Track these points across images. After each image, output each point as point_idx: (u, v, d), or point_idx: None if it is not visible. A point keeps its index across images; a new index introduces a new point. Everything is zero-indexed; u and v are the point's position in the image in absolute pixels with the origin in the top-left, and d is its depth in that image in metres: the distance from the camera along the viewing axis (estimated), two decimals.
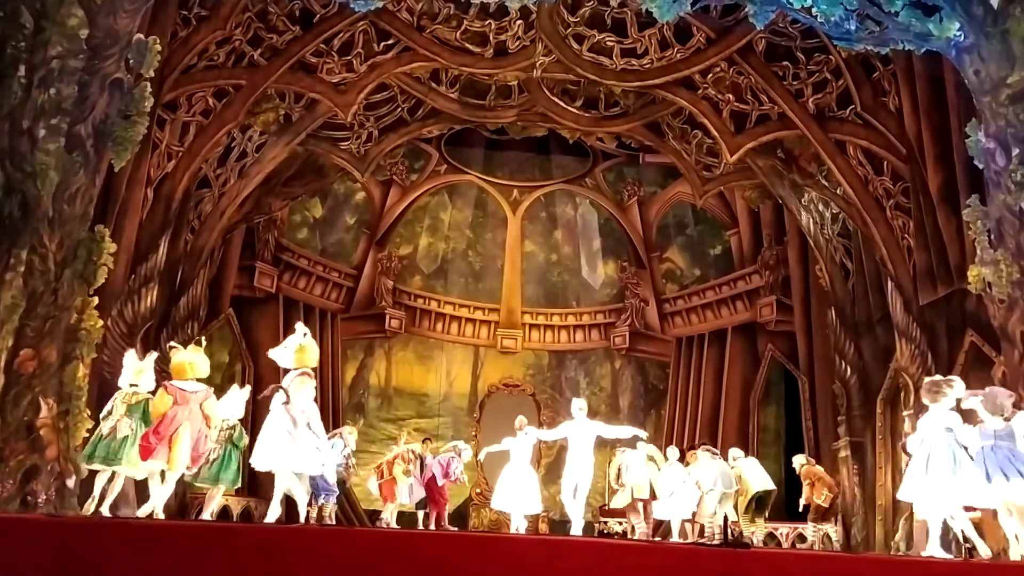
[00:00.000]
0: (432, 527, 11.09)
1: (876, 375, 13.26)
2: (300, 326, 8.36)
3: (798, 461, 12.05)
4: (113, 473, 7.86)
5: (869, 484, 13.20)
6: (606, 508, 14.64)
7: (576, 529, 9.46)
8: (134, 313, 11.24)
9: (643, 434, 10.47)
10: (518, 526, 10.10)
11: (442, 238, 18.50)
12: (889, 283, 12.25)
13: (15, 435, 8.54)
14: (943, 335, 11.34)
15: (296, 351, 7.99)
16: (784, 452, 16.31)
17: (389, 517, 10.94)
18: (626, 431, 10.23)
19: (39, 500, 8.67)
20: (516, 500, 9.93)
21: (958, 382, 7.26)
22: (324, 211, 17.45)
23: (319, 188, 16.41)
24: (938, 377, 7.53)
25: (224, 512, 13.23)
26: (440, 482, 11.14)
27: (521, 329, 17.99)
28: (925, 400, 7.31)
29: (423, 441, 12.92)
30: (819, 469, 12.30)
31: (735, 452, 12.27)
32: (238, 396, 8.92)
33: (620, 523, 13.63)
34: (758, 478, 11.75)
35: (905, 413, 11.85)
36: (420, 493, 11.14)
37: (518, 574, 5.23)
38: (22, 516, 7.70)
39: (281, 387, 7.69)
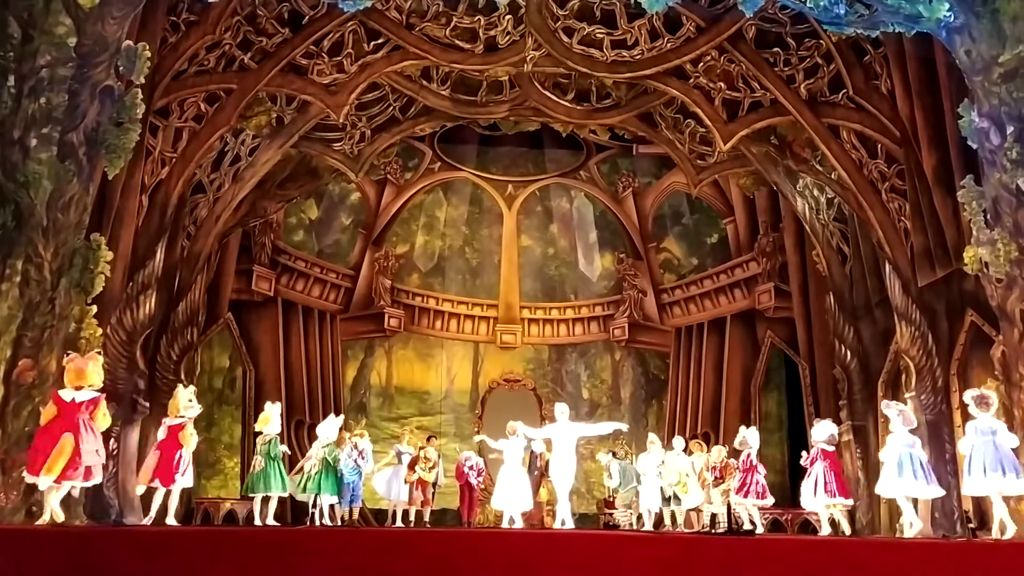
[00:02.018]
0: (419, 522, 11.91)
1: (876, 358, 13.27)
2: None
3: (721, 455, 11.98)
4: (266, 497, 9.81)
5: (872, 467, 13.20)
6: (610, 500, 14.68)
7: (563, 525, 9.94)
8: (133, 320, 11.23)
9: (624, 427, 11.07)
10: (512, 523, 10.56)
11: (438, 236, 18.48)
12: (887, 266, 12.25)
13: (17, 446, 8.53)
14: (943, 316, 11.34)
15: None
16: (787, 438, 16.35)
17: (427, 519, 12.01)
18: (607, 427, 10.87)
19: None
20: (510, 500, 10.48)
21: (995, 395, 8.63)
22: (320, 212, 17.42)
23: (314, 190, 16.38)
24: (985, 391, 8.65)
25: (229, 516, 13.28)
26: (473, 482, 12.14)
27: (520, 324, 17.98)
28: (975, 411, 8.43)
29: (428, 439, 12.98)
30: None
31: (653, 437, 12.56)
32: (334, 422, 10.83)
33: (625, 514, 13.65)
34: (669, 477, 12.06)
35: (907, 395, 11.84)
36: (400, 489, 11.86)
37: (524, 568, 5.24)
38: (27, 527, 7.70)
39: None
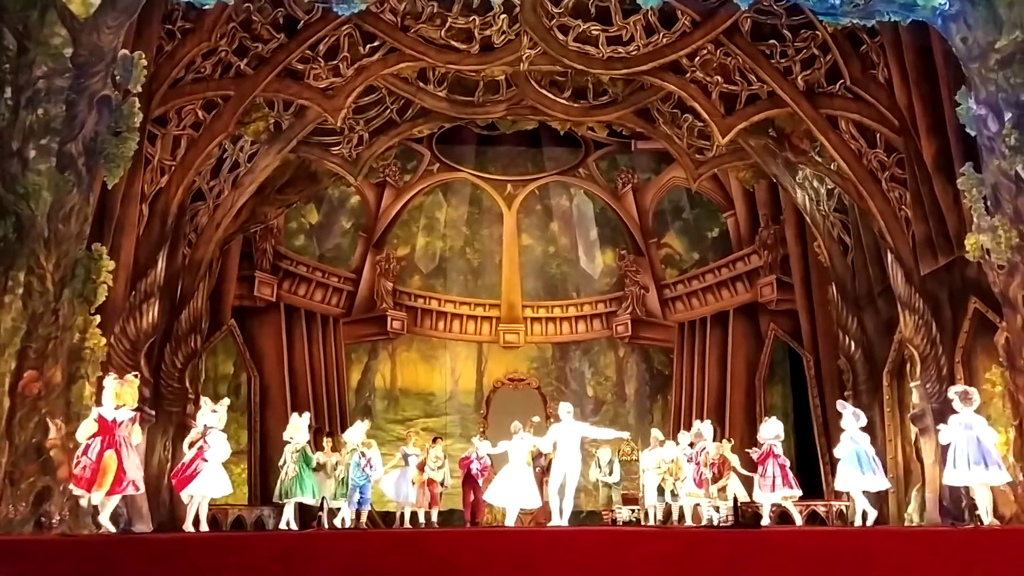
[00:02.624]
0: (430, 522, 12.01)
1: (880, 348, 13.26)
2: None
3: (718, 450, 12.05)
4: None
5: (879, 457, 13.19)
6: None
7: (562, 522, 10.18)
8: (136, 329, 11.24)
9: (625, 435, 11.43)
10: (512, 519, 10.79)
11: (439, 237, 18.48)
12: (889, 255, 12.24)
13: (24, 457, 8.55)
14: (946, 304, 11.32)
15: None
16: (793, 431, 16.33)
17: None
18: (609, 433, 11.12)
19: (53, 521, 8.68)
20: (512, 496, 10.59)
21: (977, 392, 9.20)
22: (320, 217, 17.44)
23: (313, 194, 16.38)
24: (968, 387, 9.25)
25: (237, 521, 13.30)
26: (475, 471, 12.18)
27: (523, 323, 17.97)
28: (959, 406, 8.89)
29: (433, 440, 13.00)
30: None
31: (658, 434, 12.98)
32: (360, 427, 11.38)
33: (632, 511, 13.67)
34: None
35: (912, 384, 11.84)
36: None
37: (530, 567, 5.24)
38: (37, 538, 7.73)
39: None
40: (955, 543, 6.03)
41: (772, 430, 10.84)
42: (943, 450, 10.87)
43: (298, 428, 10.44)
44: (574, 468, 10.19)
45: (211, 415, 9.34)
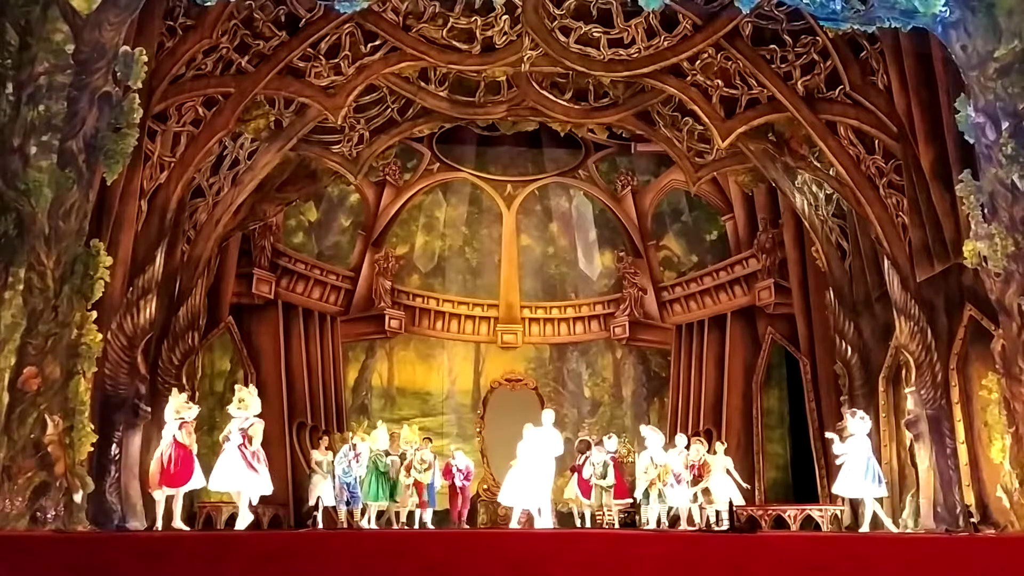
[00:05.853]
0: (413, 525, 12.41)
1: (877, 353, 13.29)
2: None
3: (700, 452, 12.44)
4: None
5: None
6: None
7: (547, 523, 11.18)
8: (133, 325, 11.22)
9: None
10: (516, 519, 11.49)
11: (438, 236, 18.47)
12: (886, 261, 12.27)
13: (22, 453, 8.55)
14: (942, 311, 11.36)
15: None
16: (789, 434, 16.37)
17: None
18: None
19: (48, 516, 8.69)
20: (519, 496, 11.21)
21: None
22: (319, 215, 17.42)
23: (313, 192, 16.37)
24: (861, 411, 11.46)
25: (231, 519, 13.28)
26: (459, 483, 12.57)
27: (521, 323, 17.96)
28: (853, 427, 10.93)
29: (423, 440, 13.02)
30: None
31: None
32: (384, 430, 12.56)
33: (624, 514, 13.70)
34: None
35: (907, 390, 11.88)
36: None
37: (527, 568, 5.26)
38: (32, 533, 7.74)
39: None
40: (951, 549, 6.06)
41: (611, 444, 12.68)
42: (938, 455, 11.04)
43: (376, 437, 11.52)
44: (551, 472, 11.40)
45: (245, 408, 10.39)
